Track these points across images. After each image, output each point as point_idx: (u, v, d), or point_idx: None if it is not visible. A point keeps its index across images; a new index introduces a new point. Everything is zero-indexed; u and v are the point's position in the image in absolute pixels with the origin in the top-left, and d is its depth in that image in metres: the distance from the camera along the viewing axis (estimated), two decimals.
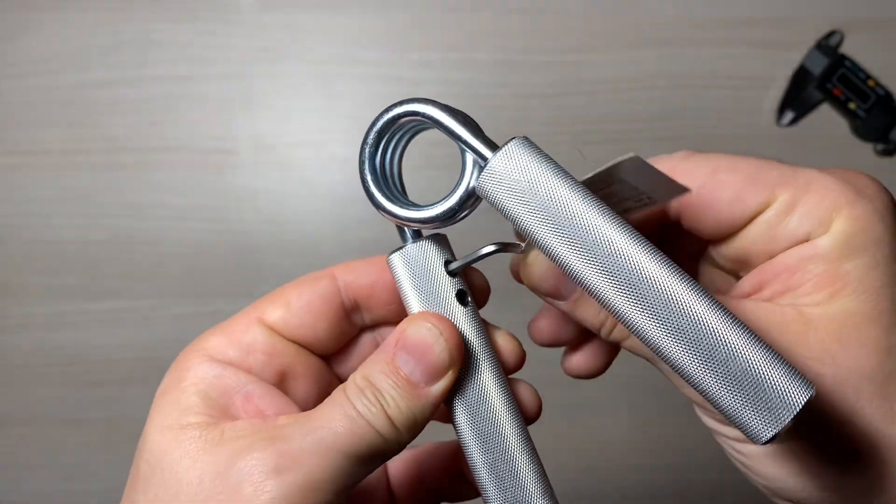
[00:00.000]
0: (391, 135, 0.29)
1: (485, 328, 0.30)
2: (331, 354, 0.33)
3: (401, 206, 0.28)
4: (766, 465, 0.27)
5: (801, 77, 0.69)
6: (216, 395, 0.28)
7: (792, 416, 0.21)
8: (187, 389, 0.29)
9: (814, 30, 0.70)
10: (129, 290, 0.68)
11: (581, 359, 0.34)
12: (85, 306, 0.68)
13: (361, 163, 0.29)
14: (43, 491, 0.69)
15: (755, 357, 0.22)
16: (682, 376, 0.22)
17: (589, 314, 0.29)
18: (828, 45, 0.68)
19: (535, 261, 0.29)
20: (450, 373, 0.28)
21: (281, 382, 0.31)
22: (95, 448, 0.69)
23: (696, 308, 0.22)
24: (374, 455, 0.27)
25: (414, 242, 0.30)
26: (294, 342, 0.31)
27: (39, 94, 0.67)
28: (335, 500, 0.26)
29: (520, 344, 0.31)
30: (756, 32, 0.70)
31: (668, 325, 0.22)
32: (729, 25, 0.70)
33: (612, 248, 0.23)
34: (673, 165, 0.27)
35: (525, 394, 0.31)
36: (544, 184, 0.24)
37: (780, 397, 0.21)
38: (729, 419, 0.22)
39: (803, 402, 0.21)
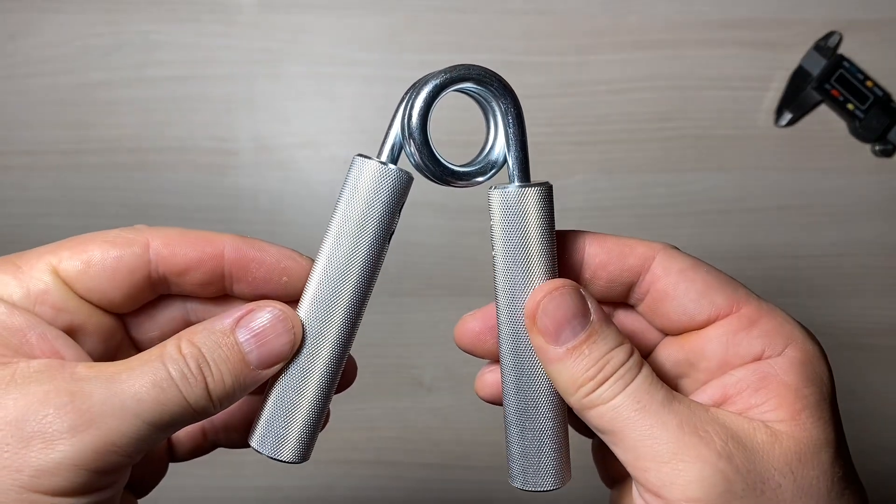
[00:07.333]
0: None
1: None
2: (124, 314, 0.31)
3: (462, 166, 0.30)
4: None
5: (799, 78, 0.69)
6: (7, 333, 0.26)
7: None
8: None
9: (812, 31, 0.70)
10: None
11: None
12: None
13: (424, 142, 0.28)
14: None
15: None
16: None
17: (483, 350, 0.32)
18: (826, 46, 0.69)
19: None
20: (283, 363, 0.28)
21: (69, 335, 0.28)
22: None
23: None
24: (177, 423, 0.26)
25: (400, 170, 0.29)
26: (86, 300, 0.29)
27: (40, 95, 0.67)
28: (129, 462, 0.26)
29: None
30: (754, 33, 0.70)
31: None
32: (727, 26, 0.70)
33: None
34: (652, 253, 0.30)
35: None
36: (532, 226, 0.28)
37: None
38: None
39: None
